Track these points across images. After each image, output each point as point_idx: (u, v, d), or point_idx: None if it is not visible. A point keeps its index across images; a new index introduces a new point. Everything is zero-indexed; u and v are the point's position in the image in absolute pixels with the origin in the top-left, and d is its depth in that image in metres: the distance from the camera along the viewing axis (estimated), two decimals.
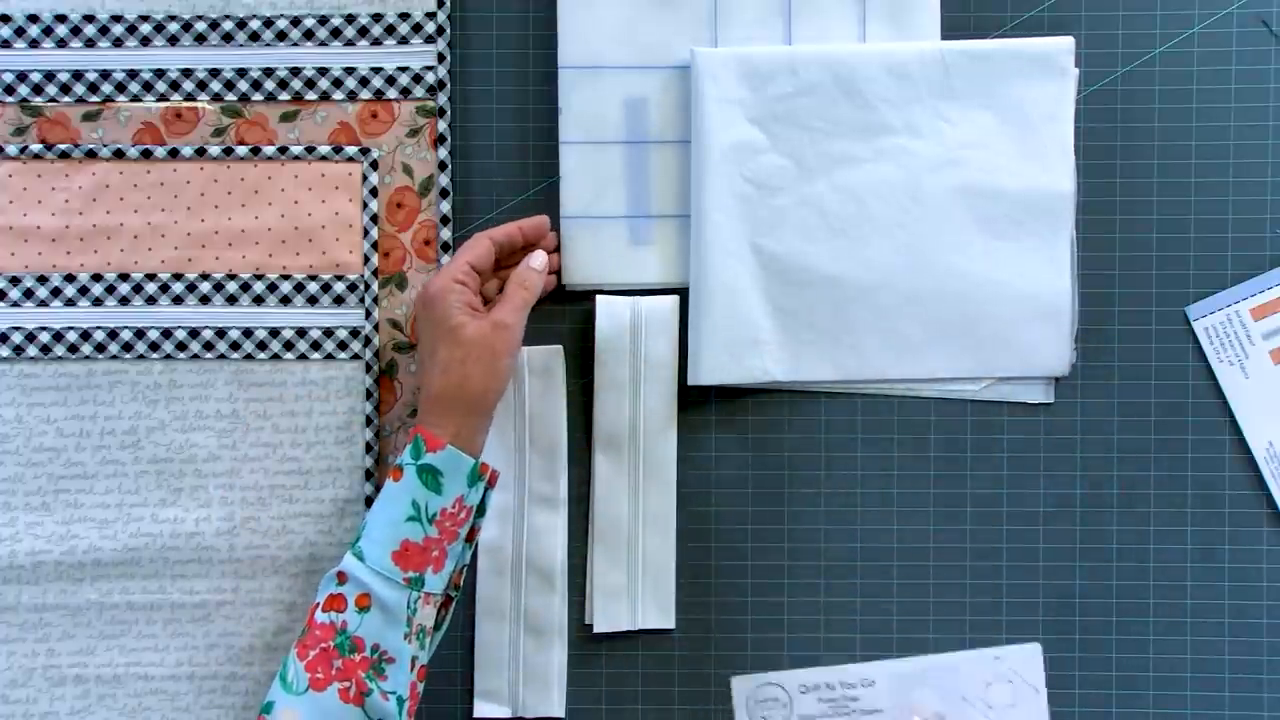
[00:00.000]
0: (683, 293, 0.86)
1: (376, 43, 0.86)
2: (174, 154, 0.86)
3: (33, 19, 0.86)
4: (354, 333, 0.86)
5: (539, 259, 0.83)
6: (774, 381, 0.86)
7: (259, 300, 0.86)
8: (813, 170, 0.85)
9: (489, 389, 0.78)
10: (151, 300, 0.86)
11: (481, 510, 0.80)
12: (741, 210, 0.85)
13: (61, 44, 0.86)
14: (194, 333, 0.86)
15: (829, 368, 0.86)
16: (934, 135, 0.85)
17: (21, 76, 0.86)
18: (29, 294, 0.86)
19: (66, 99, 0.86)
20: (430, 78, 0.86)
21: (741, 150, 0.85)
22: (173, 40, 0.86)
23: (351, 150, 0.86)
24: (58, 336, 0.86)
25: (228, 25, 0.86)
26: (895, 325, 0.85)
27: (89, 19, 0.86)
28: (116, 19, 0.86)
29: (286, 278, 0.86)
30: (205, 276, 0.86)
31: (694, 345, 0.85)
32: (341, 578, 0.75)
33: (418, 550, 0.76)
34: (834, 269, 0.85)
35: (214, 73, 0.86)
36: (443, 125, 0.86)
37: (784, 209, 0.85)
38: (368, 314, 0.86)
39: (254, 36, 0.86)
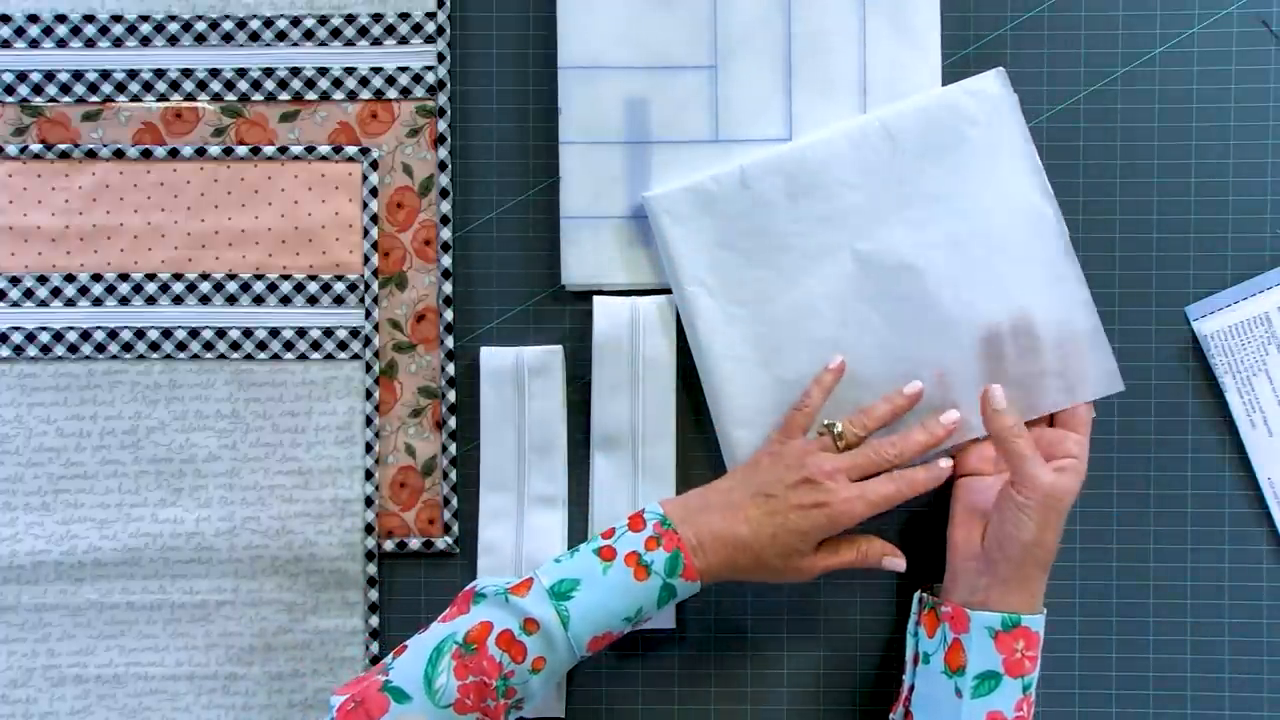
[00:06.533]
0: None
1: (376, 43, 0.86)
2: (174, 154, 0.86)
3: (33, 19, 0.86)
4: (354, 333, 0.86)
5: (895, 561, 0.81)
6: None
7: (259, 300, 0.86)
8: (794, 273, 0.84)
9: (764, 575, 0.78)
10: (151, 300, 0.86)
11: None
12: (739, 333, 0.84)
13: (61, 44, 0.86)
14: (194, 333, 0.86)
15: None
16: (901, 201, 0.83)
17: (21, 76, 0.86)
18: (29, 294, 0.86)
19: (66, 99, 0.86)
20: (430, 78, 0.86)
21: (718, 275, 0.84)
22: (173, 40, 0.86)
23: (351, 150, 0.86)
24: (58, 336, 0.86)
25: (228, 25, 0.86)
26: (928, 398, 0.83)
27: (89, 19, 0.86)
28: (116, 19, 0.86)
29: (286, 278, 0.86)
30: (205, 276, 0.86)
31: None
32: (531, 626, 0.73)
33: (610, 639, 0.75)
34: (850, 362, 0.83)
35: (214, 73, 0.86)
36: (443, 125, 0.86)
37: (778, 319, 0.84)
38: (368, 314, 0.86)
39: (254, 36, 0.86)
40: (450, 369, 0.86)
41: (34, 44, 0.86)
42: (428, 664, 0.72)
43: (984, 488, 0.81)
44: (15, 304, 0.86)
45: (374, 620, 0.86)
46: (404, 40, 0.86)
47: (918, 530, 0.87)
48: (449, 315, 0.86)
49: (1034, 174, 0.84)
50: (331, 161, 0.86)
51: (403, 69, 0.86)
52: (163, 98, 0.86)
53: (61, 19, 0.86)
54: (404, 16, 0.86)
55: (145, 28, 0.86)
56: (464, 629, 0.73)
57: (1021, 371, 0.83)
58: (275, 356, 0.86)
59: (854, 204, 0.84)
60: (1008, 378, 0.82)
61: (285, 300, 0.86)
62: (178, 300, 0.86)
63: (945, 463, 0.80)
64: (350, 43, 0.86)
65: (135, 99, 0.86)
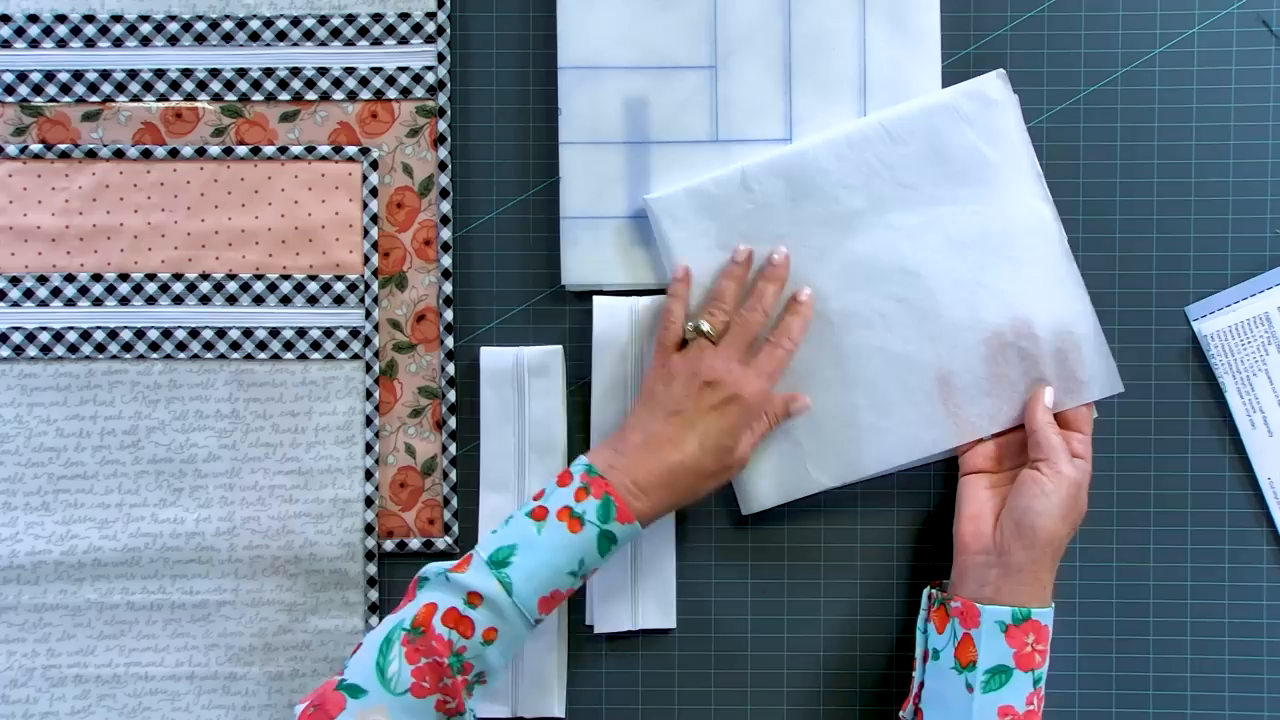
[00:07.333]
0: None
1: (376, 43, 0.86)
2: (174, 154, 0.86)
3: (33, 19, 0.86)
4: (354, 333, 0.86)
5: (799, 404, 0.83)
6: (825, 489, 0.85)
7: (259, 300, 0.86)
8: (795, 275, 0.83)
9: (707, 485, 0.79)
10: (151, 300, 0.86)
11: None
12: None
13: (61, 44, 0.86)
14: (194, 333, 0.86)
15: (875, 459, 0.84)
16: (902, 204, 0.83)
17: (21, 76, 0.86)
18: (29, 294, 0.86)
19: (66, 99, 0.86)
20: (430, 78, 0.86)
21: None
22: (173, 40, 0.86)
23: (351, 150, 0.86)
24: (58, 336, 0.86)
25: (228, 25, 0.86)
26: (929, 399, 0.83)
27: (89, 19, 0.86)
28: (116, 19, 0.86)
29: (286, 278, 0.86)
30: (205, 276, 0.86)
31: (735, 478, 0.84)
32: (475, 600, 0.73)
33: (560, 597, 0.76)
34: (850, 364, 0.83)
35: (214, 73, 0.86)
36: (443, 125, 0.86)
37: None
38: (368, 314, 0.86)
39: (254, 36, 0.86)
40: (450, 369, 0.86)
41: (34, 44, 0.86)
42: (378, 655, 0.72)
43: (989, 484, 0.82)
44: (15, 304, 0.86)
45: (374, 620, 0.86)
46: (404, 40, 0.86)
47: (923, 528, 0.87)
48: (449, 315, 0.86)
49: (1034, 177, 0.84)
50: (331, 161, 0.86)
51: (403, 69, 0.86)
52: (163, 98, 0.86)
53: (61, 19, 0.86)
54: (404, 16, 0.86)
55: (145, 28, 0.86)
56: (410, 615, 0.73)
57: (1022, 374, 0.83)
58: (275, 356, 0.86)
59: (854, 206, 0.84)
60: (1008, 380, 0.82)
61: (285, 300, 0.86)
62: (178, 300, 0.86)
63: (805, 293, 0.82)
64: (350, 43, 0.86)
65: (135, 99, 0.86)
